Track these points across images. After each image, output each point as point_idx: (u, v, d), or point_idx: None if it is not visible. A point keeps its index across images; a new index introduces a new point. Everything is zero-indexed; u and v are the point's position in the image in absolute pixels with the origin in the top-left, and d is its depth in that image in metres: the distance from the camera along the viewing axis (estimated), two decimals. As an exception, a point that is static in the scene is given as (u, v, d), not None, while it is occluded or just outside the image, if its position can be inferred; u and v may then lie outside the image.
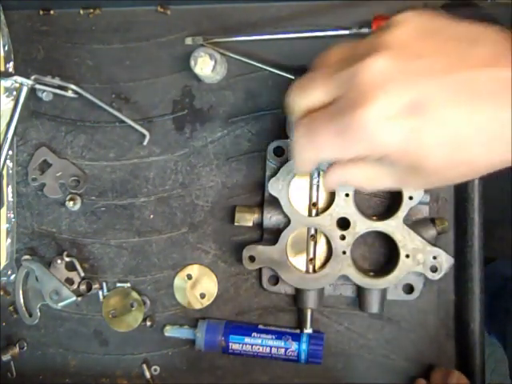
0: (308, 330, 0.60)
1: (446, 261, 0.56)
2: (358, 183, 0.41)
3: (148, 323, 0.64)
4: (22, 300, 0.64)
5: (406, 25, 0.36)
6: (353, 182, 0.41)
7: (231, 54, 0.61)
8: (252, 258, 0.59)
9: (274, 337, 0.60)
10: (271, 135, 0.62)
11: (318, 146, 0.38)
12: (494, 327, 1.03)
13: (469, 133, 0.34)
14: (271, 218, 0.59)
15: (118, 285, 0.64)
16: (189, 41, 0.62)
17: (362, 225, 0.57)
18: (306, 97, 0.39)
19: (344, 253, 0.58)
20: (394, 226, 0.57)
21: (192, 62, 0.58)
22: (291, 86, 0.41)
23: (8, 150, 0.62)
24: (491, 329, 1.05)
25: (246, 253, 0.59)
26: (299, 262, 0.60)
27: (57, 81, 0.62)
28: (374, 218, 0.59)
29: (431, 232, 0.58)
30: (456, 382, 0.56)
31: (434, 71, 0.34)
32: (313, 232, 0.60)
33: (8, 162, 0.64)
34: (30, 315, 0.65)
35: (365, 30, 0.58)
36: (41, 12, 0.65)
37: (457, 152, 0.35)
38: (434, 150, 0.35)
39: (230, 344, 0.61)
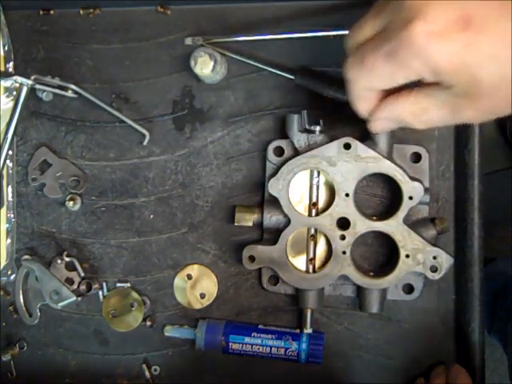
0: (308, 330, 0.60)
1: (445, 261, 0.56)
2: (408, 118, 0.41)
3: (148, 323, 0.64)
4: (22, 300, 0.64)
5: None
6: (403, 116, 0.41)
7: (231, 54, 0.61)
8: (252, 258, 0.59)
9: (274, 337, 0.60)
10: (271, 135, 0.62)
11: (368, 72, 0.39)
12: (494, 327, 1.03)
13: None
14: (271, 218, 0.59)
15: (118, 285, 0.64)
16: (189, 41, 0.62)
17: (361, 225, 0.57)
18: (357, 33, 0.40)
19: (344, 253, 0.58)
20: (394, 226, 0.57)
21: (192, 62, 0.58)
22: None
23: (8, 150, 0.62)
24: (491, 329, 1.05)
25: (246, 253, 0.59)
26: (299, 262, 0.60)
27: (57, 81, 0.62)
28: (374, 218, 0.59)
29: (431, 232, 0.58)
30: (455, 375, 0.56)
31: None
32: (313, 232, 0.60)
33: (8, 162, 0.64)
34: (30, 315, 0.65)
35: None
36: (41, 12, 0.65)
37: (508, 67, 0.34)
38: (486, 64, 0.34)
39: (230, 344, 0.61)
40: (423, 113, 0.40)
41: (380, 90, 0.42)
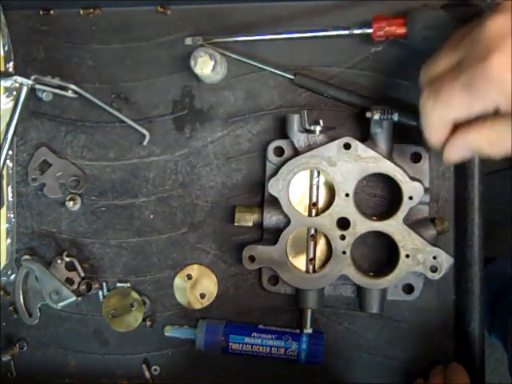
0: (308, 330, 0.60)
1: (445, 261, 0.56)
2: (484, 147, 0.42)
3: (148, 323, 0.64)
4: (22, 300, 0.64)
5: None
6: (479, 145, 0.42)
7: (231, 54, 0.61)
8: (252, 258, 0.59)
9: (274, 337, 0.60)
10: (271, 135, 0.62)
11: (444, 103, 0.41)
12: (494, 326, 1.04)
13: None
14: (271, 218, 0.59)
15: (118, 285, 0.64)
16: (189, 41, 0.62)
17: (361, 225, 0.57)
18: (432, 66, 0.43)
19: (344, 253, 0.58)
20: (394, 226, 0.57)
21: (192, 62, 0.58)
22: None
23: (8, 150, 0.62)
24: (492, 328, 1.05)
25: (245, 253, 0.59)
26: (299, 262, 0.60)
27: (57, 81, 0.62)
28: (374, 218, 0.59)
29: (431, 232, 0.58)
30: (453, 374, 0.56)
31: None
32: (313, 232, 0.60)
33: (8, 162, 0.64)
34: (30, 315, 0.65)
35: (365, 30, 0.57)
36: (41, 12, 0.65)
37: None
38: None
39: (230, 344, 0.61)
40: (500, 141, 0.41)
41: (454, 121, 0.43)
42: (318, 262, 0.60)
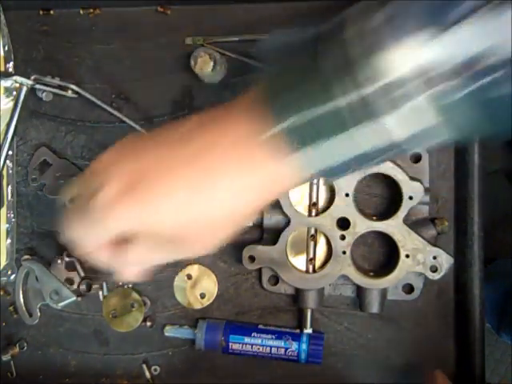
0: (308, 330, 0.60)
1: (445, 261, 0.56)
2: (136, 264, 0.42)
3: (148, 323, 0.64)
4: (22, 300, 0.64)
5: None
6: (132, 263, 0.42)
7: (231, 54, 0.61)
8: (252, 258, 0.59)
9: (274, 337, 0.60)
10: (271, 135, 0.62)
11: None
12: (504, 325, 1.03)
13: (181, 195, 0.37)
14: (271, 218, 0.59)
15: (118, 285, 0.64)
16: (189, 41, 0.62)
17: (361, 225, 0.57)
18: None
19: (344, 253, 0.58)
20: (393, 226, 0.57)
21: (192, 62, 0.58)
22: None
23: (8, 150, 0.62)
24: (501, 327, 1.05)
25: (245, 253, 0.59)
26: (299, 262, 0.60)
27: (57, 81, 0.62)
28: (374, 218, 0.59)
29: (431, 232, 0.58)
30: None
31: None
32: (313, 232, 0.60)
33: (8, 162, 0.64)
34: (30, 315, 0.65)
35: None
36: (41, 12, 0.65)
37: (180, 212, 0.37)
38: (162, 216, 0.37)
39: (230, 344, 0.61)
40: (145, 260, 0.42)
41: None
42: (317, 262, 0.60)
